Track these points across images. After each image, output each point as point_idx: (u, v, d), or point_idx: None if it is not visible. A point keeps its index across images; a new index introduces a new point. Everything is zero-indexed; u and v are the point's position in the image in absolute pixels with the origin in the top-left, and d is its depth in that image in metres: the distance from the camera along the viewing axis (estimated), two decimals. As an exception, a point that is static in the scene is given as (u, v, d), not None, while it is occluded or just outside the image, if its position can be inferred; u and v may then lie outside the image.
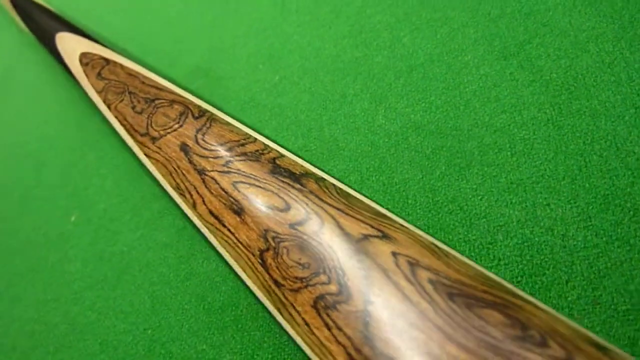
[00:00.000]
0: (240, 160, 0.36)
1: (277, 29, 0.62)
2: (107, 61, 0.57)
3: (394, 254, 0.26)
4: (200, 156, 0.38)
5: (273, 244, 0.30)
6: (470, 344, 0.22)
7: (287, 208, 0.31)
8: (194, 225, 0.38)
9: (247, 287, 0.33)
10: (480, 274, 0.25)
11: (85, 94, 0.58)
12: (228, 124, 0.42)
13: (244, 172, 0.35)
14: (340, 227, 0.28)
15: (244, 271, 0.32)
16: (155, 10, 0.79)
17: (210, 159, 0.38)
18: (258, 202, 0.32)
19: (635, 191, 0.32)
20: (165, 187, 0.42)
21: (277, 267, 0.29)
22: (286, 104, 0.53)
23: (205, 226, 0.36)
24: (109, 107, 0.52)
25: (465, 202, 0.37)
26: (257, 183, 0.34)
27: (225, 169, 0.36)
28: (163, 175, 0.42)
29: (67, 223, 0.61)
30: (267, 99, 0.55)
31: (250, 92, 0.57)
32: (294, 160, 0.36)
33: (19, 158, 0.75)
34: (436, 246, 0.27)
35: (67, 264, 0.57)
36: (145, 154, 0.44)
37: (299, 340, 0.28)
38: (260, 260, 0.31)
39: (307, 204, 0.31)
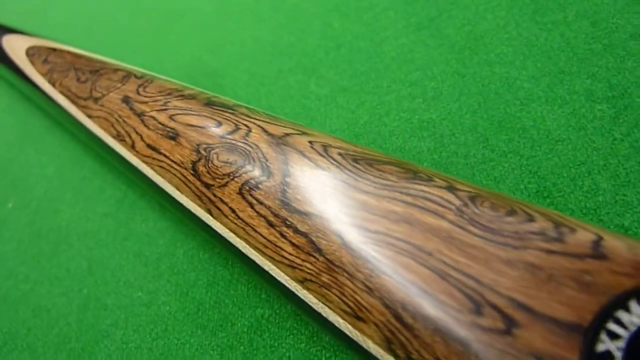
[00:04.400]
0: (178, 99, 0.39)
1: (220, 26, 0.66)
2: (54, 49, 0.59)
3: (310, 142, 0.29)
4: (140, 102, 0.41)
5: (204, 154, 0.33)
6: (371, 188, 0.25)
7: (219, 125, 0.34)
8: (132, 168, 0.40)
9: (179, 207, 0.35)
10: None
11: (30, 82, 0.60)
12: (169, 80, 0.45)
13: (180, 106, 0.38)
14: (265, 130, 0.32)
15: (177, 188, 0.34)
16: (99, 18, 0.83)
17: (150, 103, 0.40)
18: (192, 125, 0.35)
19: (523, 115, 0.37)
20: (106, 140, 0.44)
21: (207, 172, 0.32)
22: (226, 84, 0.57)
23: (143, 161, 0.38)
24: (53, 84, 0.54)
25: (384, 141, 0.41)
26: (191, 112, 0.37)
27: (163, 107, 0.39)
28: (105, 129, 0.44)
29: (4, 210, 0.61)
30: (207, 82, 0.59)
31: (192, 78, 0.61)
32: (228, 99, 0.39)
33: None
34: (343, 139, 0.30)
35: (1, 245, 0.57)
36: (88, 115, 0.46)
37: (226, 232, 0.30)
38: (192, 171, 0.33)
39: (237, 120, 0.34)
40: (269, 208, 0.27)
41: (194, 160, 0.33)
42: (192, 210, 0.33)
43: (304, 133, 0.31)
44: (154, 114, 0.39)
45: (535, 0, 0.44)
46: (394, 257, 0.22)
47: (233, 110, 0.36)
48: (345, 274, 0.23)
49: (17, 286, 0.52)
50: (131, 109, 0.41)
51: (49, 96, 0.54)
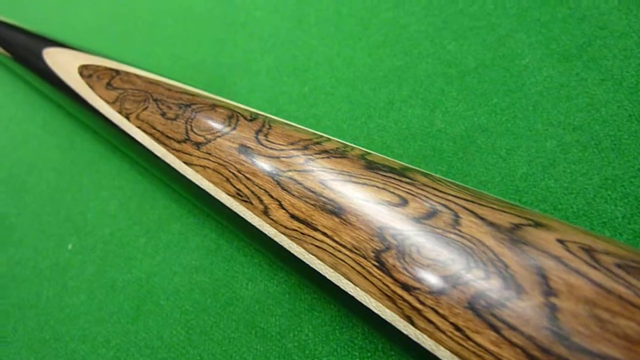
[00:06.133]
0: (323, 157, 0.32)
1: (298, 41, 0.59)
2: (117, 72, 0.52)
3: (560, 241, 0.23)
4: (269, 157, 0.34)
5: (395, 242, 0.26)
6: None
7: (404, 203, 0.27)
8: (261, 236, 0.34)
9: (346, 299, 0.29)
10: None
11: (89, 107, 0.53)
12: (289, 124, 0.38)
13: (332, 169, 0.31)
14: (480, 217, 0.25)
15: (348, 279, 0.28)
16: (150, 26, 0.75)
17: (283, 159, 0.34)
18: (363, 198, 0.29)
19: None
20: (218, 197, 0.37)
21: (404, 269, 0.25)
22: (322, 114, 0.50)
23: (284, 233, 0.32)
24: (127, 117, 0.47)
25: (559, 201, 0.35)
26: (354, 179, 0.30)
27: (307, 167, 0.32)
28: (215, 183, 0.37)
29: (64, 252, 0.54)
30: (298, 110, 0.52)
31: (276, 104, 0.54)
32: (384, 157, 0.32)
33: (-8, 185, 0.67)
34: (592, 231, 0.24)
35: (68, 297, 0.50)
36: (186, 162, 0.39)
37: (440, 350, 0.24)
38: (376, 263, 0.26)
39: (427, 197, 0.27)
40: (529, 338, 0.21)
41: (378, 249, 0.27)
42: (374, 310, 0.27)
43: (538, 224, 0.24)
44: (294, 175, 0.32)
45: None
46: None
47: (410, 179, 0.29)
48: None
49: (96, 351, 0.45)
50: (255, 164, 0.35)
51: (122, 130, 0.47)
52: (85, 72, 0.55)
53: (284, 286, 0.40)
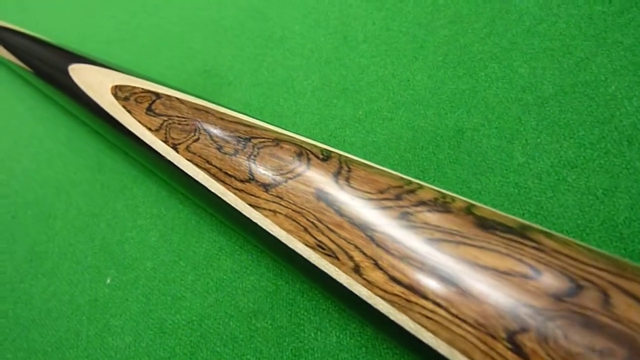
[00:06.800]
0: (423, 211, 0.29)
1: (345, 59, 0.56)
2: (157, 95, 0.49)
3: None
4: (356, 207, 0.31)
5: (533, 323, 0.23)
6: None
7: (537, 274, 0.24)
8: (350, 295, 0.31)
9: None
10: None
11: (126, 132, 0.49)
12: (369, 165, 0.35)
13: (437, 226, 0.28)
14: (633, 297, 0.22)
15: (470, 358, 0.25)
16: (177, 40, 0.71)
17: (375, 210, 0.30)
18: (485, 266, 0.25)
19: None
20: (291, 245, 0.34)
21: (548, 356, 0.22)
22: (382, 142, 0.47)
23: (383, 297, 0.29)
24: (175, 147, 0.43)
25: (674, 253, 0.32)
26: (467, 241, 0.27)
27: (405, 222, 0.29)
28: (289, 231, 0.34)
29: (102, 286, 0.51)
30: (354, 136, 0.49)
31: (328, 129, 0.51)
32: (492, 210, 0.29)
33: (17, 207, 0.64)
34: None
35: (111, 337, 0.47)
36: (252, 205, 0.36)
37: None
38: (510, 345, 0.23)
39: (563, 267, 0.24)
40: None
41: (512, 329, 0.24)
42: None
43: None
44: (390, 231, 0.29)
45: None
46: None
47: (535, 242, 0.26)
48: None
49: (149, 402, 0.42)
50: (341, 214, 0.31)
51: (170, 162, 0.44)
52: (121, 93, 0.51)
53: (358, 339, 0.37)
